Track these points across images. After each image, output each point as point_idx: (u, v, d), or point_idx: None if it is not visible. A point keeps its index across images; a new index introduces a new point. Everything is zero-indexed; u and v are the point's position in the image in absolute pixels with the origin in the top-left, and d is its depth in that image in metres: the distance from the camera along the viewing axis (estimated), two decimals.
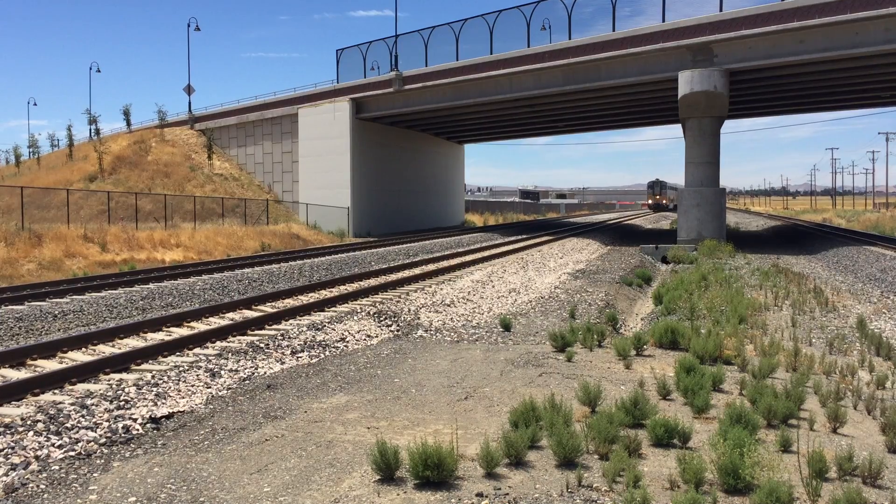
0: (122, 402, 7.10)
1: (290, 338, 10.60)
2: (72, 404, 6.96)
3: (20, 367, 9.10)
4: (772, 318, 12.05)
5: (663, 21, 27.60)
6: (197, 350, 10.01)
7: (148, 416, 6.70)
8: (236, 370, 8.65)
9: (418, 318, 12.52)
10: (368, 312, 12.84)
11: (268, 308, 13.81)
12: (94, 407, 6.90)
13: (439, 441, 5.18)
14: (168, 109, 53.50)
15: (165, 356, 9.60)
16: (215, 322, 12.27)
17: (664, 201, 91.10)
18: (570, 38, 30.45)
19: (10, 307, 13.62)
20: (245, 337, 10.96)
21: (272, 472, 5.20)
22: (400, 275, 19.30)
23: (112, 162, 42.33)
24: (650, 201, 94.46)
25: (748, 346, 9.31)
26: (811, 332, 10.80)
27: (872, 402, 6.73)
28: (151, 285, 16.95)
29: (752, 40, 25.13)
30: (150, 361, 9.30)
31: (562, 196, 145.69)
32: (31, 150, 56.51)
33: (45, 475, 5.26)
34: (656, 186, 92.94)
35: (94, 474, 5.27)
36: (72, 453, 5.73)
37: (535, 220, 72.18)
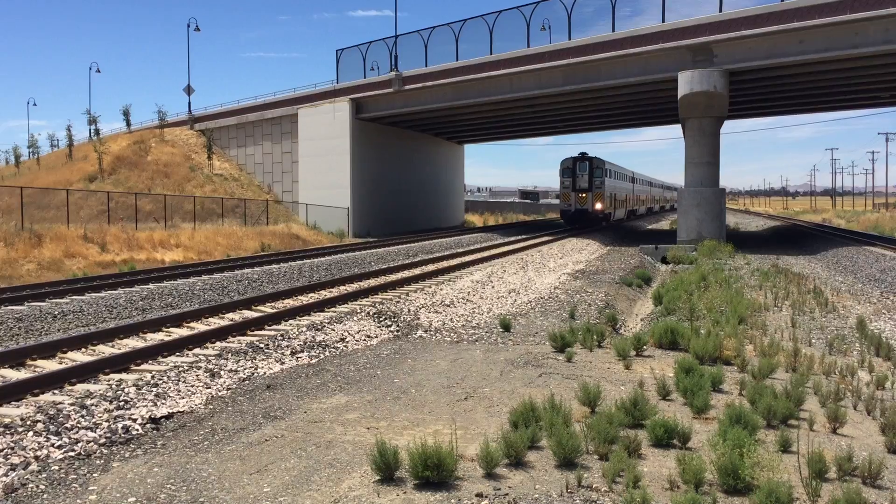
0: (122, 403, 7.10)
1: (289, 338, 10.59)
2: (71, 404, 6.95)
3: (20, 368, 9.09)
4: (771, 318, 12.05)
5: (663, 21, 27.60)
6: (197, 350, 10.01)
7: (148, 416, 6.70)
8: (236, 370, 8.65)
9: (418, 319, 12.52)
10: (368, 313, 12.83)
11: (267, 308, 13.80)
12: (93, 407, 6.89)
13: (439, 441, 5.18)
14: (168, 110, 53.53)
15: (165, 356, 9.59)
16: (215, 322, 12.27)
17: (598, 205, 43.36)
18: (569, 39, 30.44)
19: (10, 307, 13.61)
20: (245, 337, 10.96)
21: (272, 473, 5.20)
22: (400, 275, 19.29)
23: (112, 162, 42.32)
24: (564, 203, 45.04)
25: (748, 347, 9.31)
26: (811, 332, 10.80)
27: (872, 402, 6.73)
28: (151, 286, 16.94)
29: (751, 41, 25.13)
30: (150, 362, 9.29)
31: None
32: (30, 150, 56.56)
33: (44, 475, 5.26)
34: (578, 171, 44.02)
35: (94, 474, 5.27)
36: (71, 453, 5.73)
37: (534, 221, 72.06)
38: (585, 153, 44.43)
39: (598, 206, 43.29)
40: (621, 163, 79.94)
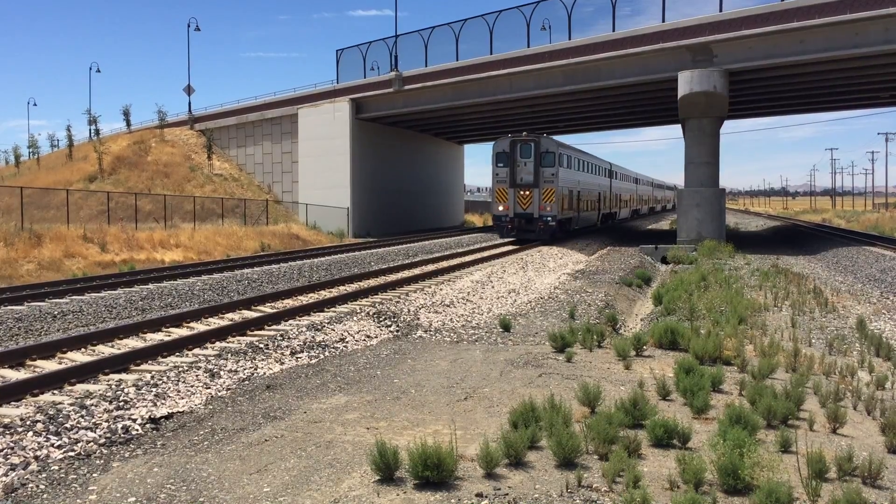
0: (122, 403, 7.10)
1: (289, 338, 10.59)
2: (71, 405, 6.95)
3: (20, 368, 9.09)
4: (771, 318, 12.05)
5: (663, 21, 27.61)
6: (196, 350, 10.00)
7: (147, 416, 6.69)
8: (236, 370, 8.65)
9: (418, 319, 12.52)
10: (368, 313, 12.83)
11: (267, 308, 13.79)
12: (93, 407, 6.89)
13: (439, 441, 5.18)
14: (168, 110, 53.59)
15: (165, 356, 9.59)
16: (215, 322, 12.26)
17: (548, 208, 30.38)
18: (570, 39, 30.44)
19: (10, 307, 13.60)
20: (244, 337, 10.95)
21: (272, 473, 5.20)
22: (399, 275, 19.29)
23: (112, 162, 42.33)
24: (500, 207, 31.18)
25: (748, 347, 9.31)
26: (811, 332, 10.80)
27: (872, 402, 6.73)
28: (151, 286, 16.93)
29: (751, 40, 25.13)
30: (150, 362, 9.29)
31: None
32: (30, 150, 56.58)
33: (44, 475, 5.26)
34: (519, 157, 30.90)
35: (94, 474, 5.27)
36: (71, 454, 5.73)
37: None
38: (532, 135, 31.15)
39: (549, 209, 30.03)
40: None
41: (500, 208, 31.09)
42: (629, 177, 56.80)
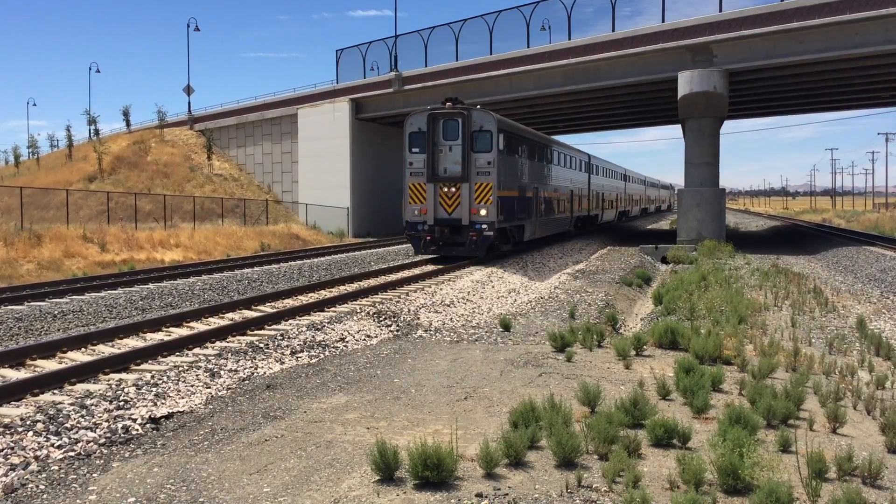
0: (122, 403, 7.10)
1: (289, 338, 10.59)
2: (71, 404, 6.95)
3: (20, 367, 9.08)
4: (771, 318, 12.05)
5: (663, 21, 27.60)
6: (196, 350, 10.00)
7: (147, 416, 6.70)
8: (236, 370, 8.65)
9: (418, 318, 12.52)
10: (368, 312, 12.82)
11: (267, 308, 13.78)
12: (93, 407, 6.89)
13: (439, 441, 5.18)
14: (168, 110, 53.61)
15: (165, 356, 9.58)
16: (215, 322, 12.25)
17: (483, 211, 20.45)
18: (569, 39, 30.45)
19: (10, 307, 13.60)
20: (245, 337, 10.94)
21: (272, 473, 5.20)
22: (399, 275, 19.27)
23: (111, 162, 42.35)
24: (415, 210, 21.13)
25: (748, 347, 9.31)
26: (811, 332, 10.80)
27: (872, 402, 6.73)
28: (151, 285, 16.93)
29: (751, 41, 25.13)
30: (150, 361, 9.28)
31: None
32: (30, 150, 56.70)
33: (44, 475, 5.26)
34: (442, 138, 20.71)
35: (94, 475, 5.27)
36: (71, 454, 5.73)
37: None
38: (457, 99, 21.91)
39: (486, 212, 20.78)
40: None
41: (416, 212, 21.51)
42: (616, 173, 48.74)
